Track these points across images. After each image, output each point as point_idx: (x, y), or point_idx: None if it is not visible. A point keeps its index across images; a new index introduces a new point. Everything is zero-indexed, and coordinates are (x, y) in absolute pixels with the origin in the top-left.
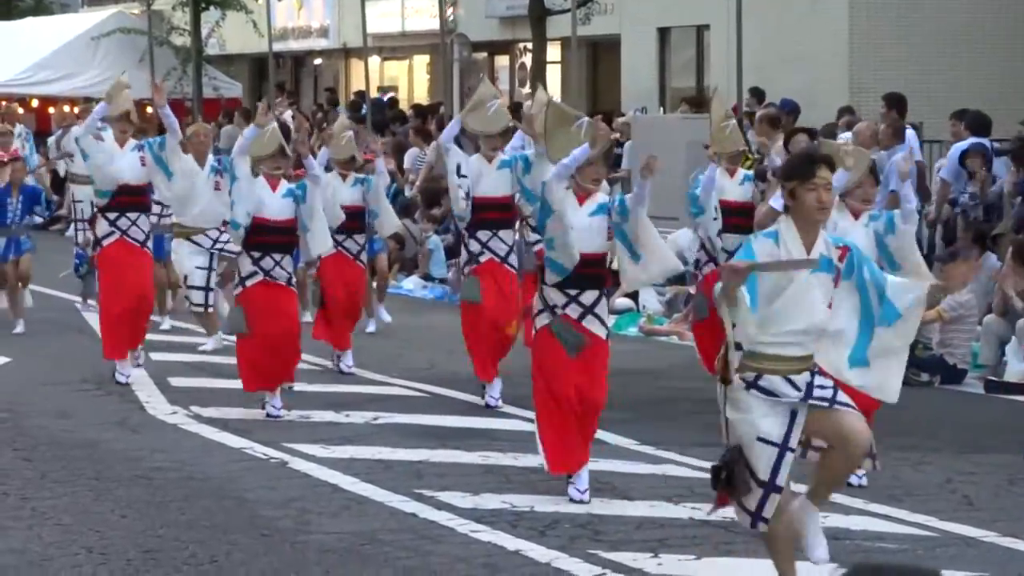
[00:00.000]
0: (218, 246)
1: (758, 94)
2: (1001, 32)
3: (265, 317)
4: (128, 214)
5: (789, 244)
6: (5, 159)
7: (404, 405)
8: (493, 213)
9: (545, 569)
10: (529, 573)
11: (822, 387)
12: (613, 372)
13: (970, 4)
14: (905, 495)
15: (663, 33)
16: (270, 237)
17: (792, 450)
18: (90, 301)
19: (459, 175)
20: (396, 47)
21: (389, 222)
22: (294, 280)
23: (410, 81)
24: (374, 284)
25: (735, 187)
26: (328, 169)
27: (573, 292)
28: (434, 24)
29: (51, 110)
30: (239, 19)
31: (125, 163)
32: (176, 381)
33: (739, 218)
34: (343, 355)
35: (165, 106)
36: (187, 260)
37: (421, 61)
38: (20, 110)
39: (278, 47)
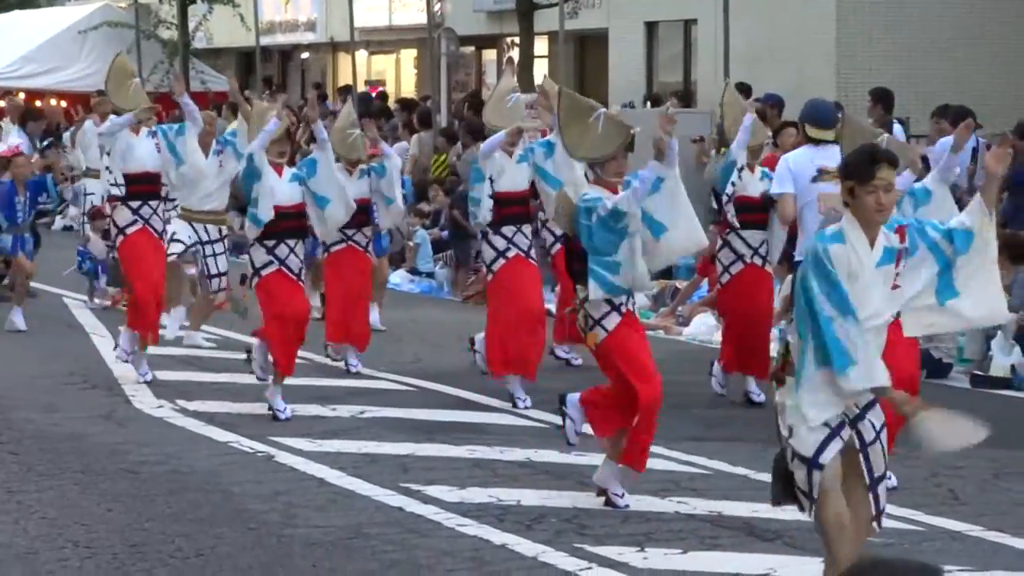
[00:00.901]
0: (206, 249)
1: (745, 89)
2: (991, 25)
3: (276, 304)
4: (150, 202)
5: (855, 243)
6: (8, 154)
7: (391, 399)
8: (516, 208)
9: (531, 563)
10: (515, 567)
11: (872, 423)
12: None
13: None
14: (891, 492)
15: (650, 27)
16: (282, 223)
17: (842, 438)
18: (96, 300)
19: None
20: (383, 41)
21: (396, 211)
22: (304, 272)
23: (397, 75)
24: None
25: (755, 183)
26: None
27: (617, 301)
28: (421, 18)
29: (38, 103)
30: (226, 13)
31: (144, 150)
32: (162, 375)
33: (758, 214)
34: (348, 351)
35: (184, 94)
36: (181, 228)
37: (408, 55)
38: (63, 104)
39: (265, 41)
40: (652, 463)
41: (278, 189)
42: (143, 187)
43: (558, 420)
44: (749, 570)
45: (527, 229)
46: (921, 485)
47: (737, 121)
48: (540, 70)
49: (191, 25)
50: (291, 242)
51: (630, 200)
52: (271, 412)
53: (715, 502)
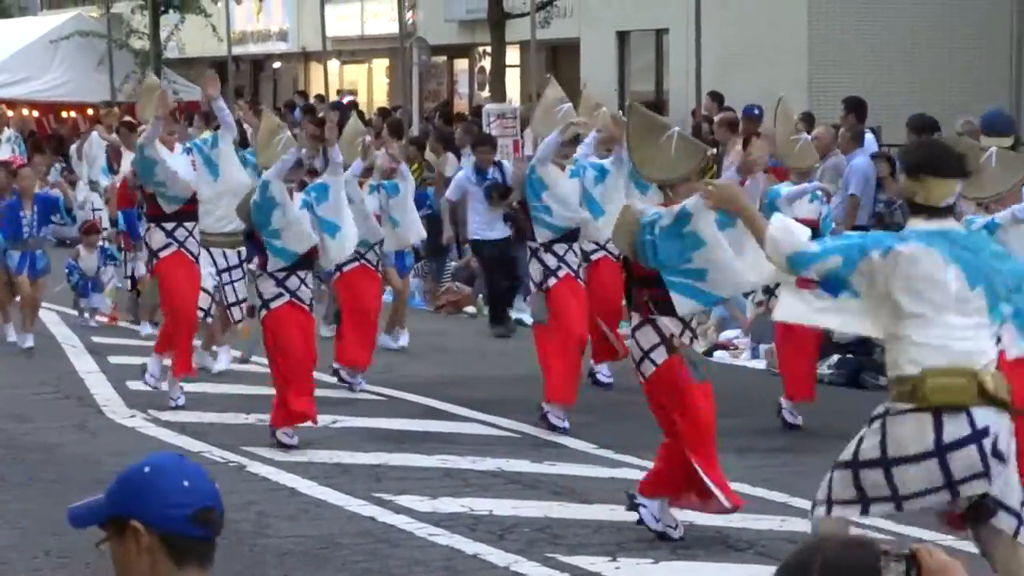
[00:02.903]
0: (223, 277)
1: (717, 98)
2: (964, 34)
3: (291, 340)
4: (185, 224)
5: None
6: (17, 164)
7: (363, 409)
8: None
9: (503, 572)
10: None
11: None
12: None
13: (932, 6)
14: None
15: (622, 36)
16: None
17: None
18: (87, 316)
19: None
20: (355, 51)
21: (415, 231)
22: (314, 301)
23: (369, 85)
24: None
25: (804, 205)
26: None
27: (668, 333)
28: (393, 28)
29: (10, 113)
30: (198, 22)
31: (179, 167)
32: (135, 385)
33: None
34: (354, 372)
35: (219, 98)
36: (206, 269)
37: (380, 65)
38: (10, 113)
39: (237, 51)
40: (624, 472)
41: None
42: (179, 208)
43: (530, 429)
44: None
45: (578, 247)
46: None
47: (786, 140)
48: (512, 80)
49: (163, 35)
50: (302, 273)
51: (695, 202)
52: (278, 443)
53: (687, 512)
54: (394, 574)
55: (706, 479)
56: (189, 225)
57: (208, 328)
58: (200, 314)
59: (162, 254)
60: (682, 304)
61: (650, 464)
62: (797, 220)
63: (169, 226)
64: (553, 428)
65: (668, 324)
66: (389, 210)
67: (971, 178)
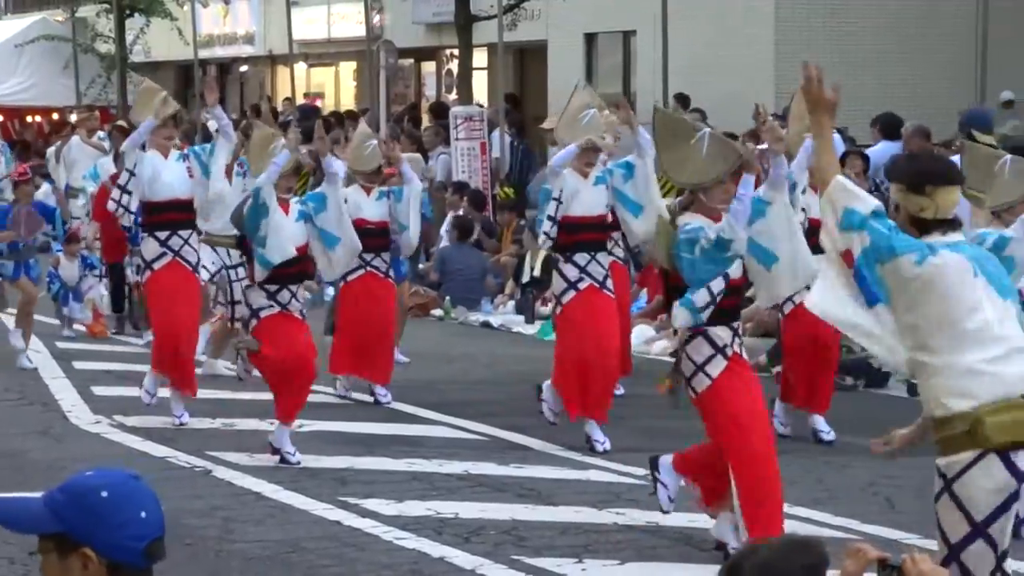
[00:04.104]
0: (230, 274)
1: (683, 100)
2: (930, 35)
3: (282, 347)
4: (180, 232)
5: None
6: (19, 174)
7: (329, 413)
8: (591, 234)
9: (470, 575)
10: None
11: None
12: (539, 378)
13: (898, 8)
14: (828, 498)
15: (590, 39)
16: (286, 268)
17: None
18: (75, 327)
19: (561, 202)
20: (322, 54)
21: (413, 237)
22: (306, 311)
23: (337, 87)
24: None
25: (817, 204)
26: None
27: (736, 324)
28: (360, 31)
29: None
30: (164, 26)
31: (173, 175)
32: (99, 390)
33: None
34: (378, 386)
35: (217, 106)
36: (203, 254)
37: (348, 67)
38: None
39: (204, 54)
40: (590, 475)
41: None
42: (172, 215)
43: (497, 432)
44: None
45: (603, 258)
46: (858, 494)
47: (795, 139)
48: (479, 82)
49: (129, 39)
50: (294, 287)
51: (733, 225)
52: (279, 455)
53: (653, 513)
54: None
55: (737, 507)
56: (184, 233)
57: (213, 337)
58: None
59: (156, 265)
60: (683, 318)
61: (617, 466)
62: (815, 220)
63: (163, 235)
64: (592, 448)
65: (720, 333)
66: (397, 216)
67: (987, 185)
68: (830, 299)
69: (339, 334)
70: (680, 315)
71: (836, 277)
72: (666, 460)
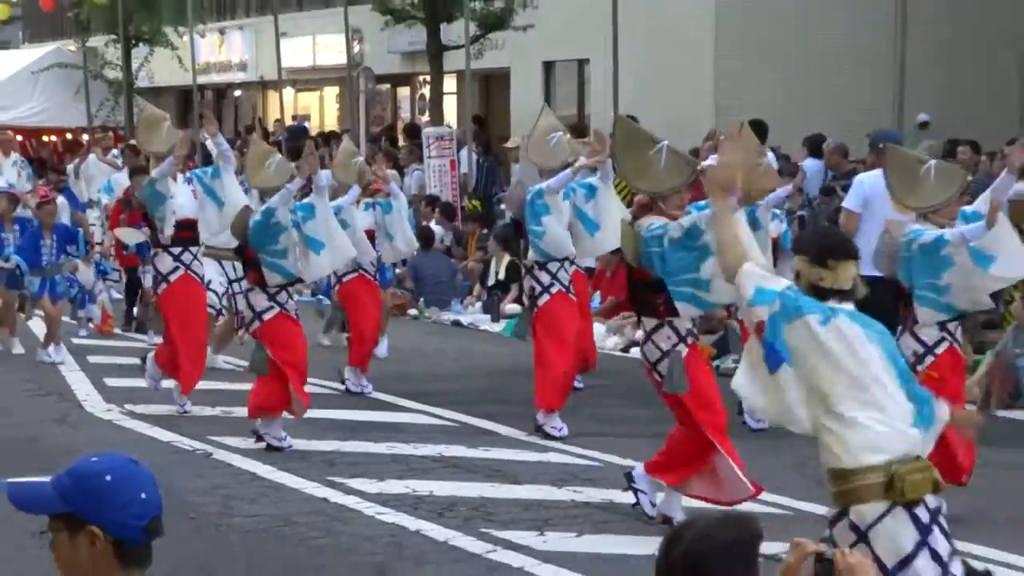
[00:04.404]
0: (234, 287)
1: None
2: (854, 60)
3: (283, 348)
4: (190, 248)
5: None
6: (39, 198)
7: (319, 402)
8: None
9: (443, 547)
10: (429, 550)
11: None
12: (504, 371)
13: (825, 35)
14: (763, 480)
15: (548, 66)
16: None
17: None
18: (83, 330)
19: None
20: (308, 79)
21: (407, 244)
22: (299, 312)
23: (321, 110)
24: None
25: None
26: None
27: (684, 331)
28: (342, 59)
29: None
30: (166, 55)
31: (182, 198)
32: (112, 381)
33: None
34: (360, 375)
35: (218, 134)
36: (210, 268)
37: (331, 92)
38: (19, 138)
39: (201, 80)
40: (549, 456)
41: None
42: (184, 234)
43: (467, 419)
44: (638, 551)
45: (568, 265)
46: (791, 474)
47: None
48: (449, 105)
49: (134, 66)
50: (291, 289)
51: (707, 220)
52: (268, 441)
53: (607, 491)
54: (346, 549)
55: (734, 466)
56: (194, 249)
57: (217, 335)
58: (212, 312)
59: (171, 278)
60: (684, 309)
61: (574, 449)
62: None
63: (176, 251)
64: (548, 437)
65: (681, 324)
66: (385, 226)
67: (911, 189)
68: (742, 376)
69: (354, 331)
70: (683, 309)
71: (756, 359)
72: (638, 470)
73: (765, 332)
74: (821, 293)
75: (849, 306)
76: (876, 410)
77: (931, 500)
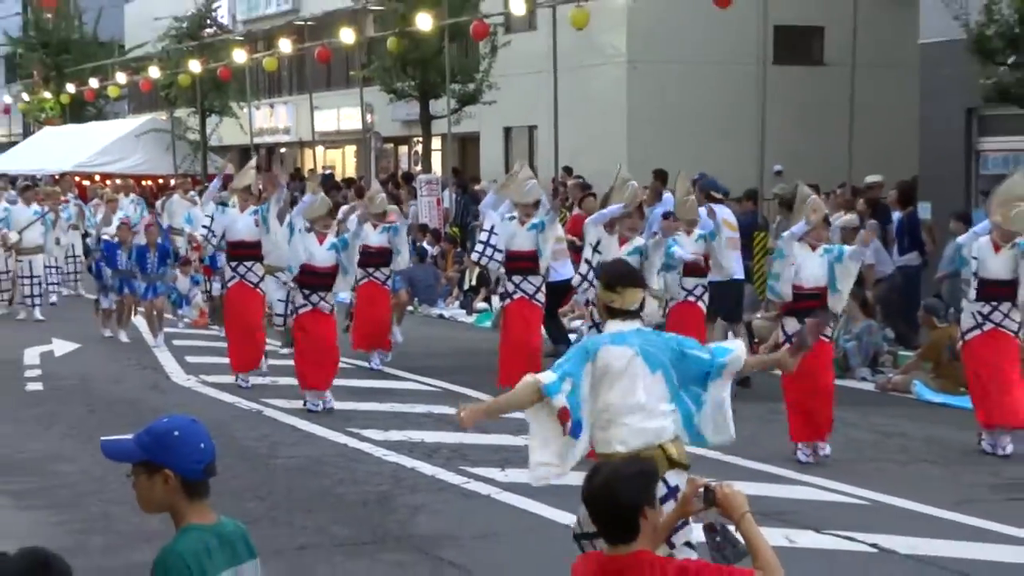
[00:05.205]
0: (289, 285)
1: (568, 170)
2: (730, 124)
3: (311, 337)
4: (245, 262)
5: None
6: (146, 224)
7: (342, 374)
8: (524, 263)
9: (430, 479)
10: (420, 482)
11: None
12: (476, 351)
13: (705, 103)
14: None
15: (507, 131)
16: (317, 279)
17: None
18: (182, 323)
19: (492, 233)
20: (334, 140)
21: (404, 259)
22: (335, 310)
23: (343, 163)
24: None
25: (691, 243)
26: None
27: None
28: (358, 125)
29: (107, 181)
30: (231, 122)
31: (243, 224)
32: (191, 359)
33: (694, 267)
34: (378, 354)
35: (283, 187)
36: (272, 293)
37: (350, 149)
38: (132, 183)
39: (257, 140)
40: (514, 414)
41: (317, 254)
42: (239, 251)
43: (449, 386)
44: (577, 483)
45: (533, 279)
46: None
47: (681, 199)
48: (436, 159)
49: (208, 130)
50: (323, 292)
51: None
52: (306, 405)
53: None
54: (359, 480)
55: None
56: (248, 263)
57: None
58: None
59: (230, 284)
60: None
61: None
62: (686, 255)
63: (234, 264)
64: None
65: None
66: (394, 245)
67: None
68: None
69: (356, 322)
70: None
71: (548, 431)
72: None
73: (568, 403)
74: (612, 313)
75: (633, 324)
76: (631, 416)
77: (672, 479)
